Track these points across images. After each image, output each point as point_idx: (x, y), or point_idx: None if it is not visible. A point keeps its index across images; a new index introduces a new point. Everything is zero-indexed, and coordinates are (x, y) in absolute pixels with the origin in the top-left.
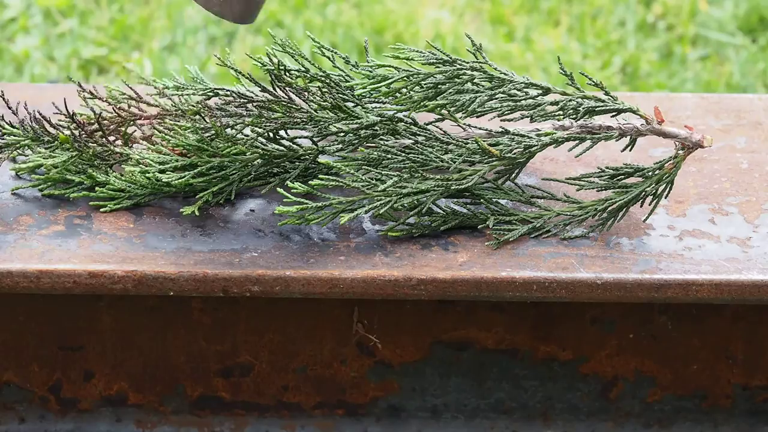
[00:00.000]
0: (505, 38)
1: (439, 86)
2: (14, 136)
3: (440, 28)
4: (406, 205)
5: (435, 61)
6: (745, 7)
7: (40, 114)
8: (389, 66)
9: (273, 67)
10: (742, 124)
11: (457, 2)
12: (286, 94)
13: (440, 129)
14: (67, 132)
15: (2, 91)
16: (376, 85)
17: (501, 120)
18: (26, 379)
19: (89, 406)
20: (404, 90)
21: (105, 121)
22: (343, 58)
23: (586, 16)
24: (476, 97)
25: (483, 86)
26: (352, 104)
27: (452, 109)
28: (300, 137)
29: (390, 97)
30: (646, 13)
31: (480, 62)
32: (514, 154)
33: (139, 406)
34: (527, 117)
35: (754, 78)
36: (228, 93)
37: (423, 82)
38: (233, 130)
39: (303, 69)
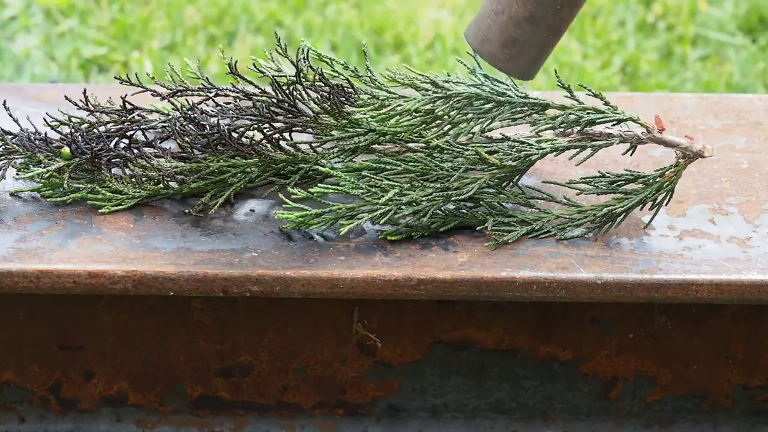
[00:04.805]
0: None
1: (437, 111)
2: (14, 154)
3: (440, 28)
4: (405, 214)
5: (433, 96)
6: (745, 7)
7: (46, 120)
8: (389, 91)
9: (273, 73)
10: (742, 124)
11: (457, 2)
12: (289, 98)
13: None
14: (68, 130)
15: (5, 100)
16: (376, 113)
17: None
18: (26, 379)
19: (89, 406)
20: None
21: (107, 125)
22: (342, 64)
23: (586, 16)
24: (476, 125)
25: (482, 108)
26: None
27: (452, 132)
28: (300, 142)
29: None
30: (646, 13)
31: (477, 85)
32: (514, 162)
33: (139, 406)
34: (528, 123)
35: (754, 78)
36: (229, 93)
37: (421, 108)
38: (236, 134)
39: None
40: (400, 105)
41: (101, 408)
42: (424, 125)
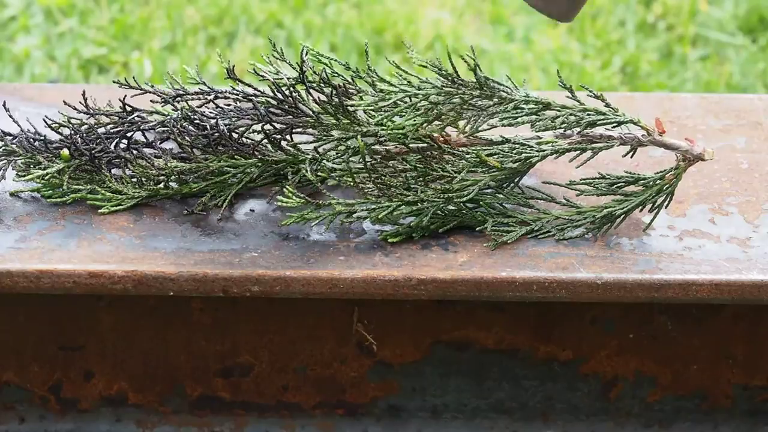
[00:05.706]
0: (505, 38)
1: (440, 105)
2: (14, 155)
3: (440, 28)
4: (405, 213)
5: (439, 76)
6: (745, 7)
7: (45, 121)
8: (390, 83)
9: (272, 76)
10: (742, 124)
11: (457, 3)
12: (289, 99)
13: (442, 134)
14: (68, 131)
15: (5, 101)
16: (377, 105)
17: (502, 126)
18: (26, 379)
19: (89, 406)
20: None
21: (107, 126)
22: (343, 65)
23: (586, 16)
24: (478, 117)
25: (484, 104)
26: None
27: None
28: (301, 143)
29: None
30: (646, 13)
31: (485, 86)
32: (515, 164)
33: (139, 406)
34: (528, 123)
35: (754, 78)
36: (229, 95)
37: (425, 100)
38: (236, 134)
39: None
40: (402, 99)
41: (101, 408)
42: (426, 123)
